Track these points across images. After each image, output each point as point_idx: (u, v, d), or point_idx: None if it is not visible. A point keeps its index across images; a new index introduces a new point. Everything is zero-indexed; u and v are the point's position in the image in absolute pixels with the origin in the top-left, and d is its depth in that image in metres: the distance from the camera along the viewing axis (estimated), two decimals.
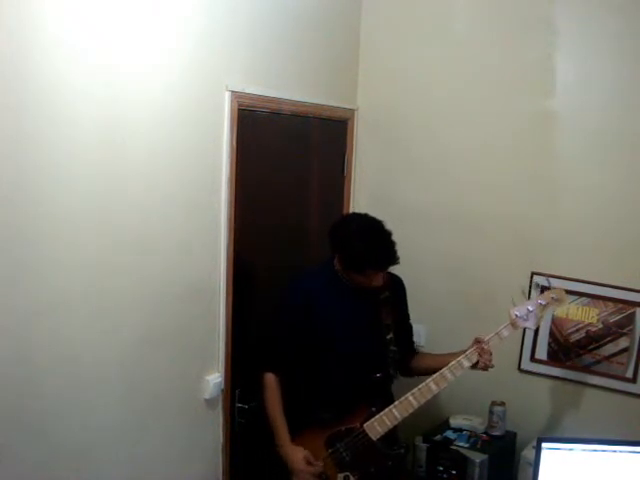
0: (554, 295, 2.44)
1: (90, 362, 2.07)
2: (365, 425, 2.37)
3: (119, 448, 2.20)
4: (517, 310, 2.39)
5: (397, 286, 2.61)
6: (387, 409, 2.37)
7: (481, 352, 2.36)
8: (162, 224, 2.25)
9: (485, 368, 2.39)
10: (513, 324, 2.39)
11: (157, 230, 2.24)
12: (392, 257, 2.33)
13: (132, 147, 2.10)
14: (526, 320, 2.40)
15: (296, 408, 2.44)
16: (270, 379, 2.44)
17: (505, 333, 2.38)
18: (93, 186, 1.99)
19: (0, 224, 1.76)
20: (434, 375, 2.36)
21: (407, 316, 2.65)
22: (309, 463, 2.34)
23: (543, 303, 2.42)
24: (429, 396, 2.36)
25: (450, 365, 2.36)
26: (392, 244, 2.33)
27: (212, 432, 2.59)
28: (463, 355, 2.37)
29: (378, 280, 2.38)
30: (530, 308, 2.40)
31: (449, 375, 2.35)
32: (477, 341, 2.39)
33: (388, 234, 2.35)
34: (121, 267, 2.12)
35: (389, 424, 2.36)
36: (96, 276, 2.04)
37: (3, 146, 1.74)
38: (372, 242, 2.32)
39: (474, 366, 2.38)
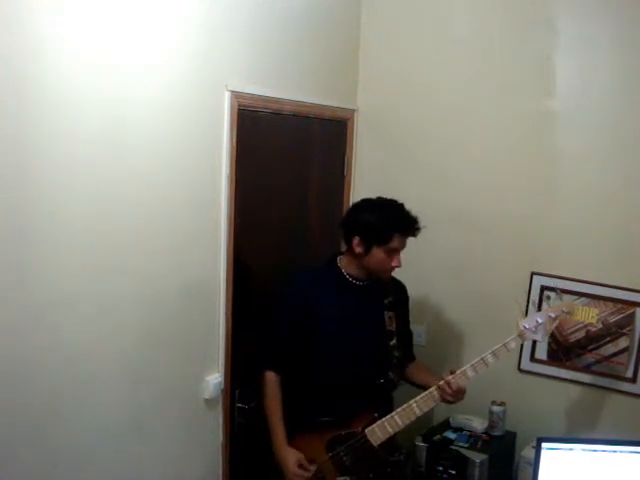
0: (564, 308, 2.40)
1: (90, 362, 2.07)
2: (367, 430, 2.36)
3: (119, 448, 2.20)
4: (526, 322, 2.35)
5: (401, 292, 2.61)
6: (389, 415, 2.35)
7: (444, 387, 2.33)
8: (162, 224, 2.25)
9: (447, 401, 2.36)
10: (521, 336, 2.35)
11: (157, 230, 2.24)
12: (415, 222, 2.36)
13: (132, 147, 2.10)
14: (534, 332, 2.35)
15: (297, 409, 2.43)
16: (271, 378, 2.43)
17: (512, 345, 2.34)
18: (93, 186, 1.99)
19: (0, 224, 1.76)
20: (440, 382, 2.34)
21: (408, 322, 2.65)
22: (301, 467, 2.33)
23: (553, 316, 2.36)
24: (432, 404, 2.35)
25: (435, 386, 2.35)
26: (410, 213, 2.37)
27: (212, 432, 2.59)
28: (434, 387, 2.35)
29: (399, 261, 2.38)
30: (539, 320, 2.35)
31: (436, 394, 2.34)
32: (449, 372, 2.36)
33: (405, 207, 2.39)
34: (121, 267, 2.12)
35: (390, 430, 2.35)
36: (96, 276, 2.04)
37: (3, 146, 1.74)
38: (395, 209, 2.37)
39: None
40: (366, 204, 2.46)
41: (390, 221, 2.35)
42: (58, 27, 1.83)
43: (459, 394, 2.35)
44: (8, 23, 1.71)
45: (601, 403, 2.82)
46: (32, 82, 1.79)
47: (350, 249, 2.42)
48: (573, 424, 2.86)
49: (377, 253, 2.36)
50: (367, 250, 2.37)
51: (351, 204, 2.50)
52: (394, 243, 2.34)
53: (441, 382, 2.34)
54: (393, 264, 2.38)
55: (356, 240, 2.38)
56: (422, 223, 2.38)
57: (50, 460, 1.98)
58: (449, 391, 2.32)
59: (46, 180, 1.86)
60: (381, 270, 2.41)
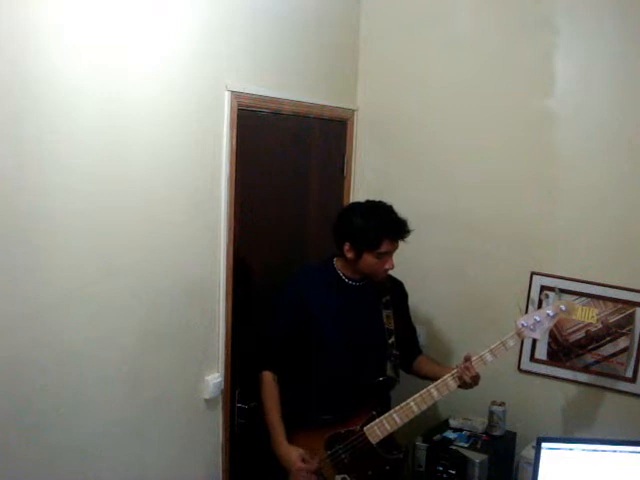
0: (563, 306, 2.40)
1: (90, 362, 2.06)
2: (365, 428, 2.37)
3: (119, 448, 2.20)
4: (524, 320, 2.36)
5: (398, 289, 2.62)
6: (388, 413, 2.36)
7: (464, 372, 2.34)
8: (162, 224, 2.25)
9: (466, 387, 2.37)
10: (519, 334, 2.36)
11: (157, 230, 2.23)
12: (404, 226, 2.35)
13: (132, 147, 2.10)
14: (533, 330, 2.35)
15: (296, 408, 2.44)
16: (267, 377, 2.44)
17: (511, 343, 2.35)
18: (93, 186, 1.99)
19: (0, 225, 1.76)
20: (437, 382, 2.35)
21: (409, 318, 2.65)
22: (304, 461, 2.34)
23: (551, 314, 2.37)
24: (430, 402, 2.35)
25: (453, 373, 2.35)
26: (399, 217, 2.37)
27: (212, 432, 2.58)
28: (454, 370, 2.36)
29: (391, 263, 2.38)
30: (537, 318, 2.35)
31: (451, 382, 2.35)
32: (465, 359, 2.38)
33: (393, 209, 2.39)
34: (121, 267, 2.12)
35: (389, 428, 2.36)
36: (96, 276, 2.04)
37: (3, 147, 1.74)
38: (383, 214, 2.37)
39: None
40: (354, 209, 2.46)
41: (378, 226, 2.34)
42: (58, 27, 1.83)
43: (476, 379, 2.36)
44: (8, 24, 1.71)
45: (601, 403, 2.82)
46: (31, 82, 1.79)
47: (342, 254, 2.42)
48: (573, 424, 2.86)
49: (368, 258, 2.37)
50: (358, 256, 2.38)
51: (341, 209, 2.51)
52: (384, 247, 2.34)
53: (456, 370, 2.34)
54: (386, 267, 2.38)
55: (347, 246, 2.39)
56: (413, 225, 2.38)
57: (50, 460, 1.98)
58: (469, 375, 2.32)
59: (46, 180, 1.86)
60: (374, 273, 2.41)
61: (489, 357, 2.34)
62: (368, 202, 2.44)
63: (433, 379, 2.38)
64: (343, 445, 2.38)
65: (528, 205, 2.90)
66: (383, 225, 2.34)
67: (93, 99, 1.95)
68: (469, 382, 2.35)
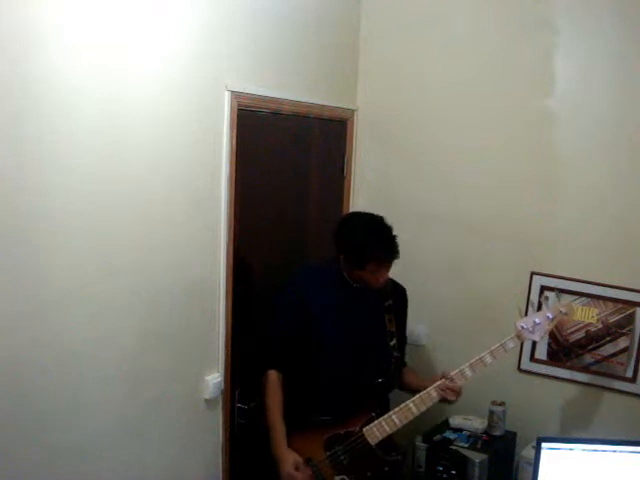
0: (563, 309, 2.41)
1: (90, 362, 2.07)
2: (364, 429, 2.37)
3: (119, 448, 2.20)
4: (523, 322, 2.37)
5: (400, 295, 2.61)
6: (387, 415, 2.36)
7: (445, 389, 2.35)
8: (162, 224, 2.25)
9: (447, 401, 2.38)
10: (519, 336, 2.37)
11: (157, 230, 2.24)
12: (393, 250, 2.33)
13: (132, 147, 2.10)
14: (532, 332, 2.36)
15: (296, 408, 2.43)
16: (272, 376, 2.43)
17: (510, 345, 2.36)
18: (93, 186, 1.99)
19: (0, 225, 1.76)
20: (437, 383, 2.36)
21: (405, 328, 2.65)
22: (298, 469, 2.33)
23: (551, 317, 2.38)
24: (429, 404, 2.36)
25: (453, 374, 2.36)
26: (393, 237, 2.34)
27: (212, 432, 2.59)
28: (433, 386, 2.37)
29: (384, 277, 2.38)
30: (537, 320, 2.36)
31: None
32: (442, 376, 2.38)
33: (389, 228, 2.36)
34: (121, 267, 2.12)
35: (388, 430, 2.36)
36: (96, 276, 2.04)
37: (3, 147, 1.74)
38: (373, 236, 2.34)
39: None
40: (347, 225, 2.46)
41: (365, 249, 2.33)
42: (58, 27, 1.83)
43: (459, 392, 2.37)
44: (9, 24, 1.71)
45: (601, 403, 2.82)
46: (31, 82, 1.79)
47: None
48: (573, 424, 2.86)
49: (359, 272, 2.38)
50: (351, 269, 2.40)
51: (341, 217, 2.51)
52: (371, 268, 2.34)
53: (443, 381, 2.35)
54: (379, 280, 2.38)
55: (341, 256, 2.42)
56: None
57: (50, 460, 1.98)
58: (453, 387, 2.33)
59: (46, 180, 1.86)
60: (367, 285, 2.42)
61: (488, 359, 2.35)
62: (365, 217, 2.43)
63: (415, 391, 2.40)
64: (342, 446, 2.38)
65: (528, 205, 2.90)
66: (369, 249, 2.32)
67: (93, 99, 1.95)
68: (452, 398, 2.36)
